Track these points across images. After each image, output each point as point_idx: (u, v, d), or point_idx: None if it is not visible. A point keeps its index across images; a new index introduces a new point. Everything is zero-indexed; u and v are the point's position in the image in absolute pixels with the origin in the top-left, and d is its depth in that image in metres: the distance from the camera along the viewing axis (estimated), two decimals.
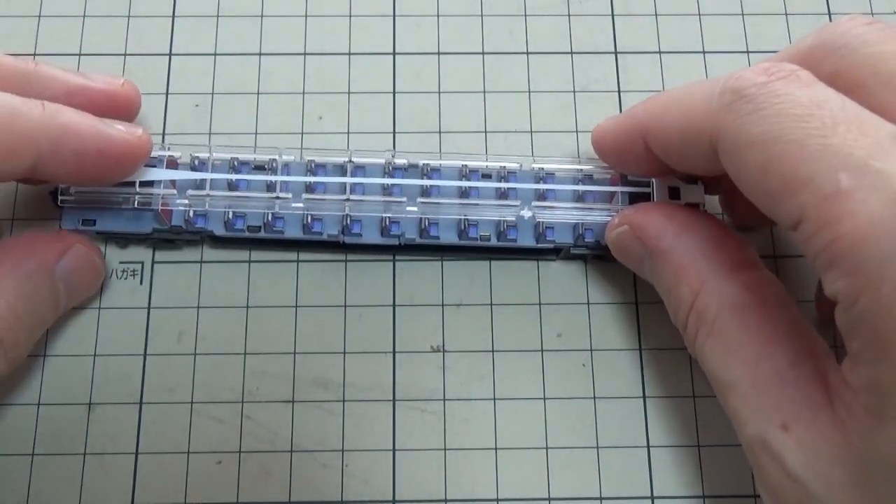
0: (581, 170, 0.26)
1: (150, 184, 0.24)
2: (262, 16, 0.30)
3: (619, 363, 0.26)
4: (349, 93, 0.29)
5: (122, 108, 0.25)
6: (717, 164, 0.20)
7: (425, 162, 0.26)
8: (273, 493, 0.25)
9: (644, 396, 0.26)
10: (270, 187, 0.25)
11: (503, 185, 0.25)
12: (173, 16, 0.30)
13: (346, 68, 0.29)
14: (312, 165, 0.25)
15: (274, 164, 0.25)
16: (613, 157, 0.24)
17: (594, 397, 0.26)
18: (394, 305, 0.26)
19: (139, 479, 0.25)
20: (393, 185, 0.25)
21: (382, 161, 0.26)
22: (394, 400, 0.26)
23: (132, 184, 0.24)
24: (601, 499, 0.25)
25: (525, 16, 0.30)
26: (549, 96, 0.29)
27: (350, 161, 0.25)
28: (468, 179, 0.26)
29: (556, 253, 0.27)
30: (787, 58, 0.21)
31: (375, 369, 0.26)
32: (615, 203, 0.25)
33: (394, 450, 0.25)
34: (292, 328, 0.26)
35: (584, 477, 0.25)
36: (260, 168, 0.26)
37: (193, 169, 0.25)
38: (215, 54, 0.29)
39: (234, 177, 0.25)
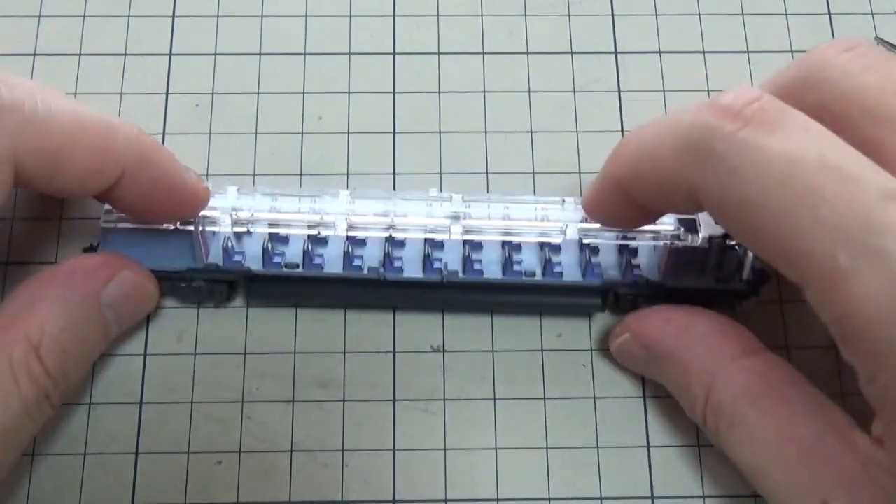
0: None
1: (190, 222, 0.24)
2: (262, 16, 0.30)
3: (619, 363, 0.26)
4: (349, 93, 0.29)
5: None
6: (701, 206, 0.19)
7: (466, 210, 0.25)
8: (273, 493, 0.25)
9: (644, 396, 0.26)
10: (311, 227, 0.25)
11: (545, 224, 0.25)
12: (173, 16, 0.30)
13: (346, 68, 0.29)
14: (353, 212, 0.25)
15: (317, 213, 0.25)
16: (609, 220, 0.24)
17: (594, 397, 0.26)
18: (394, 305, 0.26)
19: (139, 479, 0.25)
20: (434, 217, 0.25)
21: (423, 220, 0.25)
22: (394, 400, 0.26)
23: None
24: (601, 499, 0.25)
25: (525, 16, 0.30)
26: (549, 96, 0.29)
27: (392, 228, 0.25)
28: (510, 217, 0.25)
29: (604, 300, 0.25)
30: (771, 91, 0.20)
31: (375, 369, 0.26)
32: (663, 235, 0.24)
33: (394, 450, 0.25)
34: (292, 328, 0.26)
35: (584, 477, 0.25)
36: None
37: (234, 222, 0.24)
38: (215, 54, 0.29)
39: (277, 216, 0.24)
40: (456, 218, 0.24)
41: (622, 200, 0.22)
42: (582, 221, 0.24)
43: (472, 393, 0.26)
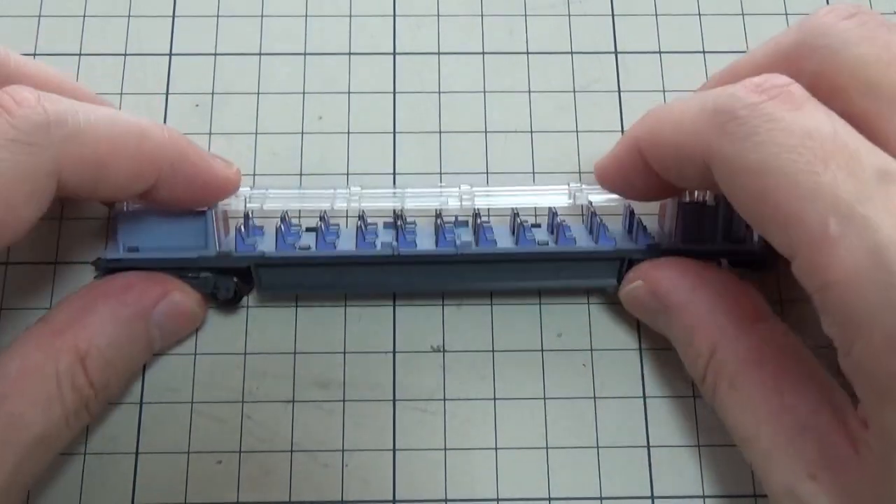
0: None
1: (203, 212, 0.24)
2: (262, 16, 0.30)
3: (619, 363, 0.26)
4: (349, 93, 0.29)
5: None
6: (712, 179, 0.20)
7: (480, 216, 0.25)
8: (273, 493, 0.25)
9: (644, 396, 0.26)
10: (322, 219, 0.25)
11: (553, 191, 0.25)
12: (173, 16, 0.30)
13: (346, 68, 0.29)
14: (364, 214, 0.25)
15: (324, 217, 0.25)
16: (617, 182, 0.24)
17: (594, 397, 0.26)
18: (394, 305, 0.26)
19: (139, 479, 0.25)
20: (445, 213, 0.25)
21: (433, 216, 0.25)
22: (394, 400, 0.26)
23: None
24: (601, 499, 0.25)
25: (525, 16, 0.30)
26: (549, 96, 0.29)
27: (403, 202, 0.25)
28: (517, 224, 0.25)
29: (617, 270, 0.25)
30: (769, 55, 0.21)
31: (375, 369, 0.26)
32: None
33: (394, 450, 0.25)
34: (292, 328, 0.26)
35: (584, 477, 0.25)
36: (312, 230, 0.25)
37: (246, 217, 0.25)
38: (215, 54, 0.29)
39: (289, 205, 0.25)
40: (466, 194, 0.25)
41: (637, 166, 0.22)
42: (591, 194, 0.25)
43: (472, 393, 0.26)
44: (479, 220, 0.25)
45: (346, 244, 0.25)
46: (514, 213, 0.25)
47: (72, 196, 0.21)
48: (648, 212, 0.26)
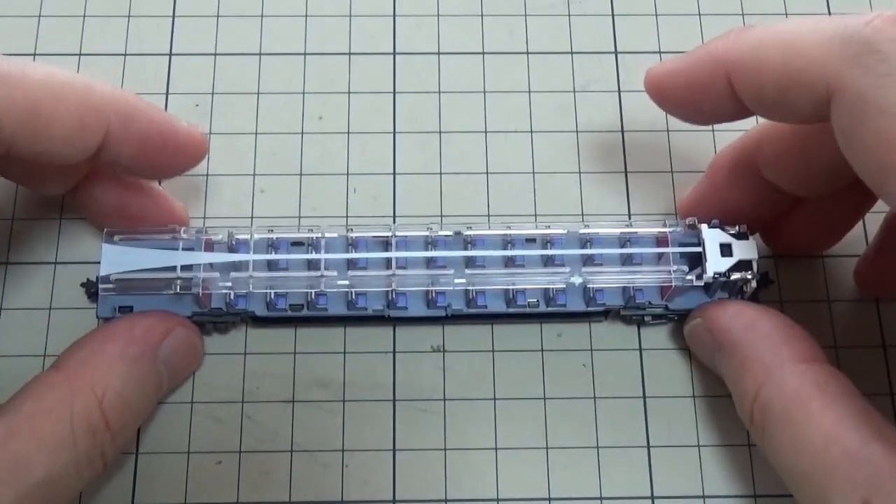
0: (626, 232, 0.24)
1: (190, 267, 0.23)
2: (262, 16, 0.30)
3: (619, 363, 0.26)
4: (349, 93, 0.29)
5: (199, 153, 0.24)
6: (820, 115, 0.18)
7: (468, 233, 0.24)
8: (273, 493, 0.25)
9: (644, 396, 0.26)
10: (312, 265, 0.24)
11: (549, 251, 0.24)
12: (173, 16, 0.30)
13: (346, 68, 0.29)
14: (353, 239, 0.24)
15: (313, 240, 0.24)
16: (683, 100, 0.22)
17: (594, 397, 0.26)
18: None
19: (139, 479, 0.25)
20: (437, 257, 0.24)
21: (425, 233, 0.24)
22: (394, 400, 0.26)
23: (172, 268, 0.23)
24: (601, 499, 0.25)
25: (525, 16, 0.30)
26: (549, 96, 0.29)
27: (394, 235, 0.24)
28: (513, 245, 0.24)
29: (605, 315, 0.26)
30: None
31: (375, 369, 0.26)
32: (664, 262, 0.24)
33: (394, 450, 0.25)
34: (293, 328, 0.26)
35: (584, 477, 0.25)
36: (299, 244, 0.25)
37: (231, 249, 0.24)
38: (215, 54, 0.29)
39: (275, 257, 0.24)
40: (458, 273, 0.24)
41: (715, 87, 0.21)
42: (585, 246, 0.24)
43: (472, 393, 0.26)
44: (471, 292, 0.24)
45: (338, 301, 0.24)
46: (509, 287, 0.24)
47: (12, 151, 0.20)
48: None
